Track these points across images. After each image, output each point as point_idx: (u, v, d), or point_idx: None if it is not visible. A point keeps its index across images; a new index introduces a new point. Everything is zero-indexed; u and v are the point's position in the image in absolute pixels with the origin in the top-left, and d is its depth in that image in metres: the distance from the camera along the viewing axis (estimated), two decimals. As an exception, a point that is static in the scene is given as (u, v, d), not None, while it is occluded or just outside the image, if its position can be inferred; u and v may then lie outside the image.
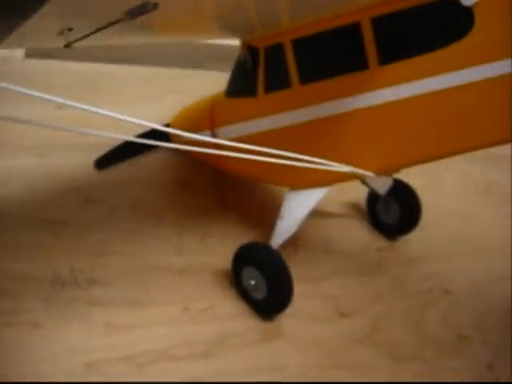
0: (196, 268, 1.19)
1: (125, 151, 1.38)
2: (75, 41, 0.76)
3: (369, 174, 1.01)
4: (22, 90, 0.71)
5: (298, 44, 1.05)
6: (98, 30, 0.70)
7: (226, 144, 0.97)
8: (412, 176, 1.32)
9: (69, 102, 0.71)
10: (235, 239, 1.27)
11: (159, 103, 1.59)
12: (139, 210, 1.29)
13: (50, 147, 1.38)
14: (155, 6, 0.61)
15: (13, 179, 1.27)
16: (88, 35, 0.73)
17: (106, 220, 1.24)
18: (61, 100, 0.72)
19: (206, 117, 1.27)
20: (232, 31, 1.13)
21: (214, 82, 1.30)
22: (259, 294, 1.10)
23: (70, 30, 0.75)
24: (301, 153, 1.02)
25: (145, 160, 1.37)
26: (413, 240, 1.36)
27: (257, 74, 1.13)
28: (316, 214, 1.40)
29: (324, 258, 1.29)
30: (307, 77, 1.05)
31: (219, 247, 1.24)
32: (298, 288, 1.11)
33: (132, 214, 1.27)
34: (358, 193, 1.43)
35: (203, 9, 0.75)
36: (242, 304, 1.13)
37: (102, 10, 0.64)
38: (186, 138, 1.34)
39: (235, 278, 1.15)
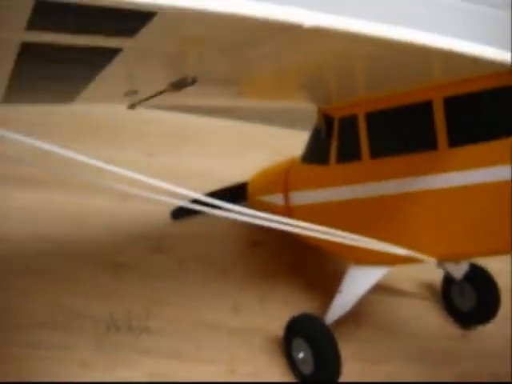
0: (250, 330, 1.17)
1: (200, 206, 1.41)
2: (138, 102, 0.81)
3: (429, 259, 0.96)
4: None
5: (372, 117, 1.03)
6: (154, 95, 0.74)
7: (279, 220, 0.96)
8: (492, 260, 1.23)
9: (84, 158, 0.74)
10: (297, 306, 1.24)
11: (245, 159, 1.63)
12: (205, 264, 1.31)
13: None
14: (194, 80, 0.64)
15: (88, 219, 1.34)
16: (147, 99, 0.77)
17: (171, 270, 1.27)
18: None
19: (280, 179, 1.28)
20: (309, 99, 1.14)
21: (302, 142, 1.30)
22: (306, 368, 1.06)
23: (135, 92, 0.80)
24: (364, 228, 1.00)
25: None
26: (488, 332, 1.25)
27: (330, 143, 1.12)
28: (385, 290, 1.33)
29: (387, 338, 1.22)
30: (377, 151, 1.03)
31: (278, 312, 1.21)
32: (353, 367, 1.07)
33: (197, 266, 1.29)
34: (434, 273, 1.34)
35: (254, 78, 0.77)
36: (290, 374, 1.10)
37: (150, 80, 0.68)
38: (261, 199, 1.37)
39: (285, 348, 1.11)
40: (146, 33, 0.54)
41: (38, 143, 0.63)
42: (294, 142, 1.46)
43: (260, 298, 1.26)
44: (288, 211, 1.25)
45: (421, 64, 0.83)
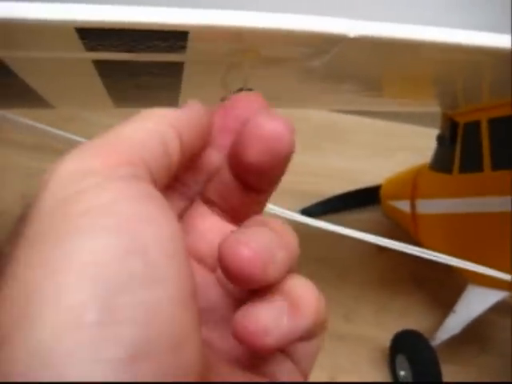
0: (359, 339, 1.14)
1: (333, 205, 1.39)
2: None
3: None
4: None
5: (495, 124, 0.93)
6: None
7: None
8: None
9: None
10: (414, 319, 1.18)
11: (391, 160, 1.55)
12: (325, 266, 1.29)
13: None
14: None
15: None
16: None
17: (290, 270, 1.28)
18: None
19: (408, 186, 1.21)
20: (434, 103, 1.06)
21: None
22: (407, 388, 1.01)
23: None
24: (484, 244, 0.96)
25: (349, 216, 1.36)
26: None
27: (454, 151, 1.04)
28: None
29: (513, 367, 1.10)
30: (500, 162, 0.93)
31: (393, 324, 1.15)
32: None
33: (316, 268, 1.27)
34: None
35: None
36: (394, 390, 1.05)
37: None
38: (390, 204, 1.32)
39: (390, 363, 1.07)
40: (193, 48, 0.56)
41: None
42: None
43: (375, 309, 1.21)
44: (414, 219, 1.19)
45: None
